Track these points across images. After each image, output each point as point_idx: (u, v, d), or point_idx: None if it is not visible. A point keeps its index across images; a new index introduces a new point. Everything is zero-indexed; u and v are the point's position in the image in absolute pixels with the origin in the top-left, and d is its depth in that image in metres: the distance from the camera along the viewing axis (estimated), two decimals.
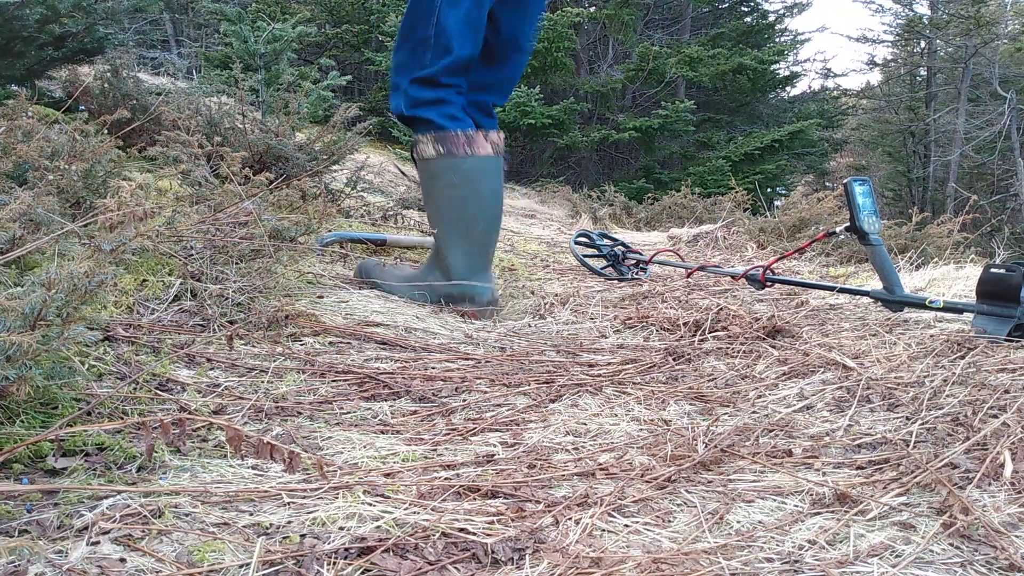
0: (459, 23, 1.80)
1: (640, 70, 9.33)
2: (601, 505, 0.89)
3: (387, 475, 0.96)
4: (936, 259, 3.12)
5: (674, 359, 1.57)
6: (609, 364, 1.56)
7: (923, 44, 16.55)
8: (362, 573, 0.74)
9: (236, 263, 1.67)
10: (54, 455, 0.89)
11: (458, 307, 1.87)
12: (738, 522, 0.87)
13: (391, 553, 0.77)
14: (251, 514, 0.83)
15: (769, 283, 2.16)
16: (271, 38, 3.68)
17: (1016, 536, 0.82)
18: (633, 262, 2.77)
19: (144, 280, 1.53)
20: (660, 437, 1.13)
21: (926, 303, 1.73)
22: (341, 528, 0.81)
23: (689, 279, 2.55)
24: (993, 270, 1.61)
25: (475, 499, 0.91)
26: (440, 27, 1.79)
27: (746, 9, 11.73)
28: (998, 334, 1.53)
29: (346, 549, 0.76)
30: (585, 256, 2.86)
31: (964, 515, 0.84)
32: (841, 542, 0.82)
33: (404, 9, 1.86)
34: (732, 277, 2.30)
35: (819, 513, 0.89)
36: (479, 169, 1.86)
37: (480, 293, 1.90)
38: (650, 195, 6.67)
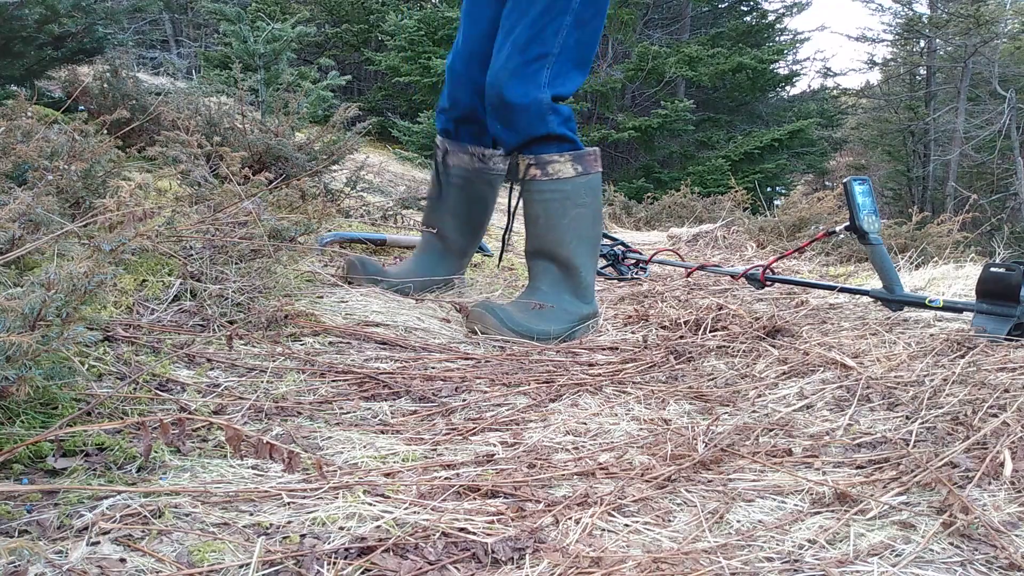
0: (588, 44, 1.78)
1: (639, 69, 9.33)
2: (601, 505, 0.89)
3: (387, 475, 0.96)
4: (936, 258, 3.12)
5: (674, 358, 1.57)
6: (609, 363, 1.56)
7: (923, 43, 16.56)
8: (362, 573, 0.74)
9: (236, 263, 1.66)
10: (54, 455, 0.89)
11: (583, 334, 1.80)
12: (738, 521, 0.87)
13: (391, 553, 0.77)
14: (251, 514, 0.83)
15: (769, 283, 2.16)
16: (270, 38, 3.67)
17: (1016, 535, 0.82)
18: (633, 262, 2.77)
19: (144, 280, 1.53)
20: (660, 436, 1.13)
21: (926, 302, 1.73)
22: (341, 528, 0.81)
23: (689, 279, 2.55)
24: (993, 269, 1.61)
25: (475, 499, 0.91)
26: (565, 46, 1.74)
27: (745, 8, 11.73)
28: (998, 333, 1.53)
29: (346, 549, 0.76)
30: None
31: (964, 514, 0.84)
32: (841, 541, 0.82)
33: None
34: (732, 276, 2.30)
35: (819, 512, 0.89)
36: (599, 185, 1.87)
37: (597, 307, 1.90)
38: (650, 195, 6.68)
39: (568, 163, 1.77)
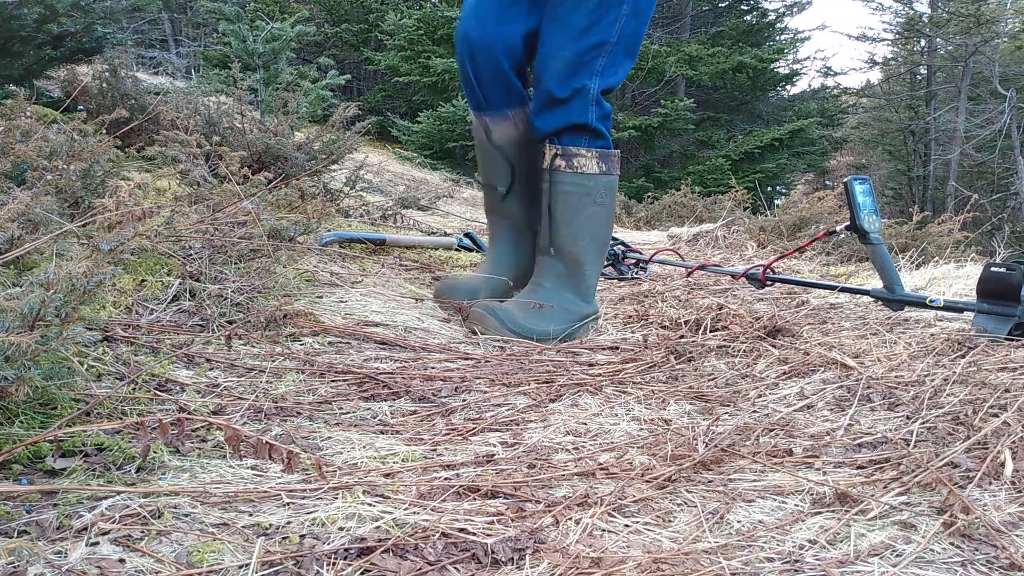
0: (639, 34, 1.75)
1: (639, 69, 9.32)
2: (601, 505, 0.89)
3: (387, 475, 0.96)
4: (936, 258, 3.12)
5: (674, 358, 1.57)
6: (609, 363, 1.56)
7: (923, 42, 16.56)
8: (362, 573, 0.74)
9: (235, 263, 1.66)
10: (53, 456, 0.89)
11: (584, 334, 1.78)
12: (738, 522, 0.87)
13: (391, 553, 0.77)
14: (250, 514, 0.83)
15: (769, 282, 2.15)
16: (270, 37, 3.67)
17: (1017, 535, 0.82)
18: (633, 261, 2.77)
19: (143, 280, 1.53)
20: (660, 437, 1.13)
21: (926, 302, 1.73)
22: (341, 528, 0.81)
23: (689, 278, 2.55)
24: (993, 269, 1.61)
25: (475, 499, 0.91)
26: (623, 35, 1.70)
27: (746, 7, 11.73)
28: (998, 333, 1.53)
29: (346, 549, 0.76)
30: None
31: (965, 514, 0.84)
32: (842, 541, 0.82)
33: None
34: (732, 276, 2.30)
35: (820, 512, 0.88)
36: (615, 186, 1.84)
37: (597, 307, 1.88)
38: (650, 194, 6.67)
39: (594, 159, 1.76)
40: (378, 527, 0.82)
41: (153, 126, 2.67)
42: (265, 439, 0.83)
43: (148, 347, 1.29)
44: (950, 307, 1.69)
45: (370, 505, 0.86)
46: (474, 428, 1.15)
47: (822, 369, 1.43)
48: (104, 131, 2.01)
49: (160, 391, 1.14)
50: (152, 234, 1.51)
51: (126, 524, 0.78)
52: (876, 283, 2.08)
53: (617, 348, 1.69)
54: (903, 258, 3.06)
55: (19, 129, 1.69)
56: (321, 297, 1.78)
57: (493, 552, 0.77)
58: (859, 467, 1.01)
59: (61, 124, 1.86)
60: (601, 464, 1.02)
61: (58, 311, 0.92)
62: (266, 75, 3.64)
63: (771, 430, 1.15)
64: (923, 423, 1.14)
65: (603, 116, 1.77)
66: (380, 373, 1.35)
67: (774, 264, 2.19)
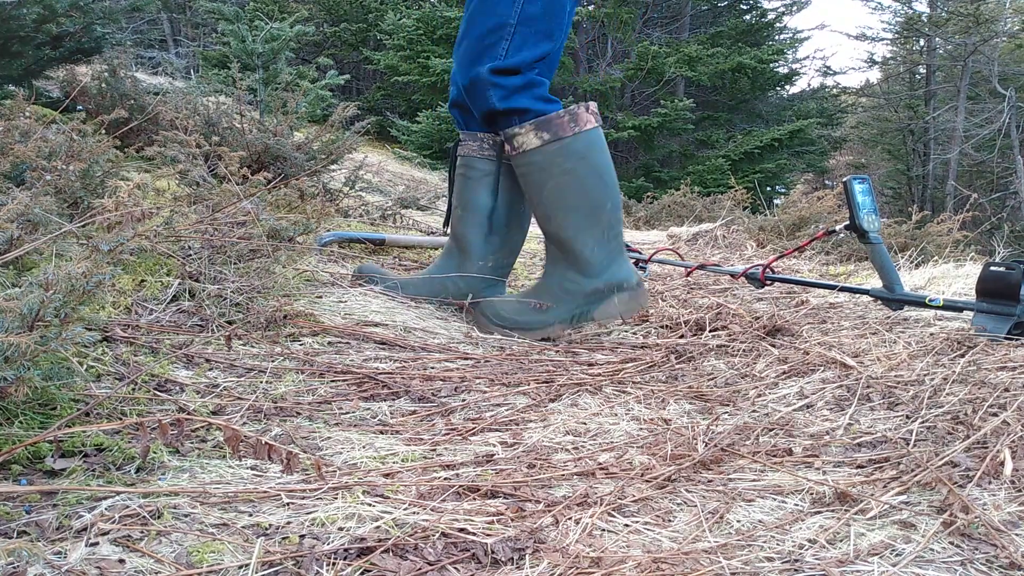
0: (553, 12, 1.66)
1: (639, 69, 9.32)
2: (601, 505, 0.89)
3: (386, 475, 0.96)
4: (936, 257, 3.12)
5: (674, 358, 1.57)
6: (609, 363, 1.56)
7: (922, 42, 16.56)
8: (362, 573, 0.74)
9: (234, 263, 1.66)
10: (53, 456, 0.89)
11: (607, 312, 1.67)
12: (738, 521, 0.87)
13: (391, 553, 0.77)
14: (250, 515, 0.83)
15: (769, 282, 2.15)
16: (269, 37, 3.67)
17: (1016, 534, 0.82)
18: (632, 261, 2.77)
19: (142, 280, 1.53)
20: (660, 436, 1.13)
21: (926, 301, 1.73)
22: (340, 528, 0.81)
23: (689, 278, 2.55)
24: (993, 268, 1.61)
25: (475, 499, 0.91)
26: (524, 16, 1.64)
27: (745, 7, 11.72)
28: (998, 332, 1.53)
29: (345, 550, 0.76)
30: None
31: (964, 513, 0.84)
32: (841, 541, 0.82)
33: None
34: (732, 276, 2.30)
35: (819, 512, 0.88)
36: (591, 144, 1.67)
37: (627, 277, 1.70)
38: (649, 194, 6.67)
39: (530, 133, 1.65)
40: (378, 527, 0.82)
41: (152, 126, 2.67)
42: (265, 439, 0.83)
43: (148, 347, 1.29)
44: (950, 307, 1.69)
45: (370, 505, 0.86)
46: (474, 428, 1.15)
47: (822, 368, 1.43)
48: (103, 131, 2.01)
49: (160, 391, 1.14)
50: (151, 234, 1.51)
51: (126, 524, 0.78)
52: (876, 283, 2.08)
53: (617, 348, 1.69)
54: (902, 257, 3.06)
55: (18, 129, 1.69)
56: (321, 297, 1.78)
57: (493, 552, 0.77)
58: (859, 466, 1.01)
59: (60, 124, 1.86)
60: (601, 464, 1.02)
61: (57, 311, 0.92)
62: (265, 75, 3.64)
63: (771, 430, 1.15)
64: (923, 422, 1.14)
65: (511, 91, 1.67)
66: (380, 373, 1.35)
67: (773, 263, 2.19)
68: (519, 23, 1.65)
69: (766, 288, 2.22)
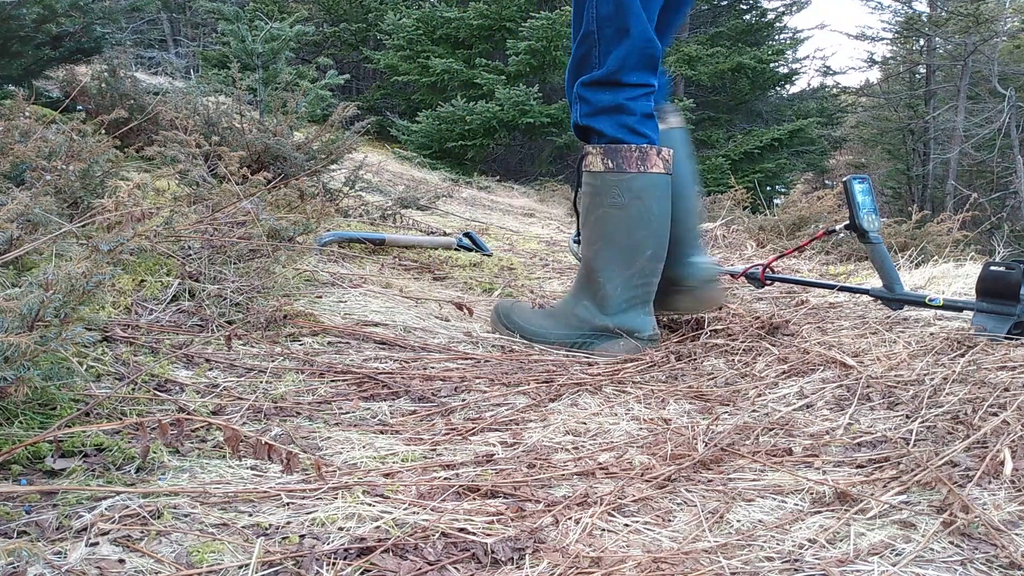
0: (624, 5, 1.58)
1: None
2: (601, 504, 0.89)
3: (386, 475, 0.96)
4: (936, 257, 3.12)
5: (674, 358, 1.57)
6: (608, 363, 1.56)
7: (922, 41, 16.55)
8: (362, 573, 0.74)
9: (234, 263, 1.66)
10: (53, 456, 0.89)
11: (608, 350, 1.63)
12: (738, 521, 0.87)
13: (391, 553, 0.77)
14: (250, 515, 0.83)
15: (769, 281, 2.15)
16: (269, 37, 3.67)
17: (1016, 534, 0.82)
18: None
19: (142, 280, 1.53)
20: (660, 436, 1.13)
21: (925, 301, 1.73)
22: (340, 528, 0.81)
23: None
24: (993, 268, 1.61)
25: (475, 499, 0.91)
26: (601, 17, 1.60)
27: (745, 7, 11.71)
28: (998, 332, 1.53)
29: (345, 549, 0.76)
30: None
31: (964, 513, 0.84)
32: (841, 541, 0.82)
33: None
34: (732, 276, 2.30)
35: (819, 512, 0.88)
36: (650, 187, 1.64)
37: (641, 328, 1.64)
38: None
39: (599, 156, 1.63)
40: (378, 527, 0.82)
41: (152, 126, 2.67)
42: (264, 439, 0.83)
43: (147, 347, 1.29)
44: (949, 306, 1.69)
45: (370, 505, 0.86)
46: (474, 428, 1.15)
47: (821, 368, 1.43)
48: (103, 131, 2.01)
49: (160, 391, 1.14)
50: (151, 234, 1.51)
51: (126, 524, 0.78)
52: (875, 282, 2.08)
53: None
54: (902, 257, 3.06)
55: (18, 129, 1.69)
56: (320, 297, 1.78)
57: (493, 552, 0.77)
58: (859, 466, 1.01)
59: (60, 124, 1.86)
60: (601, 464, 1.02)
61: (57, 311, 0.92)
62: (265, 75, 3.64)
63: (771, 429, 1.16)
64: (923, 422, 1.14)
65: (590, 112, 1.65)
66: (380, 373, 1.35)
67: (773, 263, 2.19)
68: (599, 27, 1.62)
69: (766, 288, 2.22)
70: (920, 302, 1.75)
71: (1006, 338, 1.52)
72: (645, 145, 1.64)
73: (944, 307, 1.70)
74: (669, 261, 1.69)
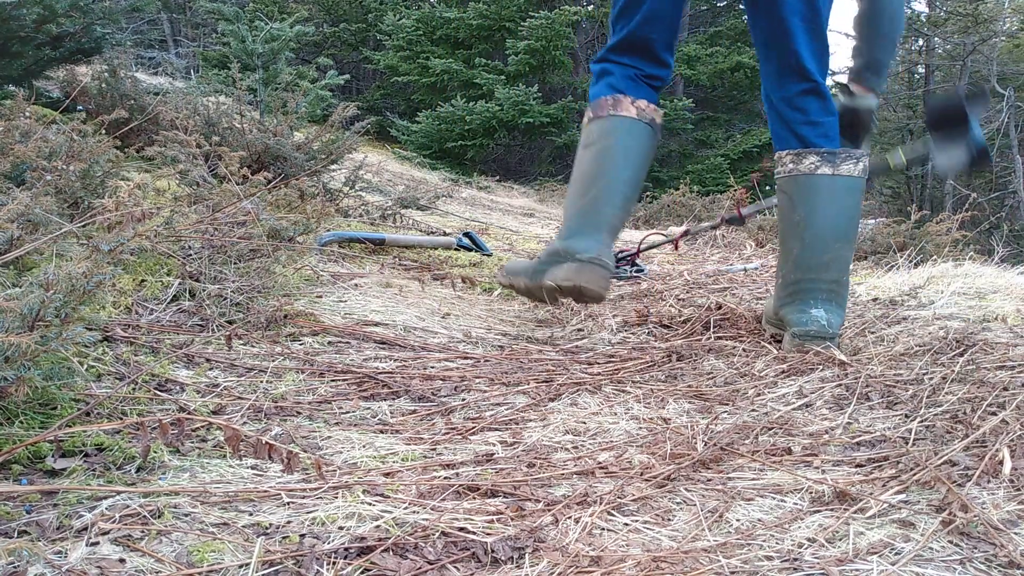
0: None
1: None
2: (601, 504, 0.89)
3: (386, 475, 0.96)
4: (935, 257, 3.12)
5: (674, 357, 1.57)
6: (608, 362, 1.56)
7: (921, 41, 16.56)
8: (362, 573, 0.74)
9: (234, 263, 1.66)
10: (53, 456, 0.89)
11: (552, 274, 1.61)
12: (738, 520, 0.87)
13: (391, 553, 0.77)
14: (251, 514, 0.83)
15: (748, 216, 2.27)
16: (269, 37, 3.67)
17: (1015, 533, 0.82)
18: (629, 261, 2.77)
19: (142, 280, 1.53)
20: (659, 435, 1.13)
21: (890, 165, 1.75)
22: (341, 528, 0.81)
23: (687, 276, 2.56)
24: (935, 97, 1.62)
25: (475, 498, 0.91)
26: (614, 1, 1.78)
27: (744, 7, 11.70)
28: (960, 162, 1.52)
29: (346, 549, 0.76)
30: None
31: (963, 512, 0.84)
32: (841, 540, 0.82)
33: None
34: (713, 228, 2.40)
35: (819, 511, 0.89)
36: (614, 128, 1.71)
37: (585, 249, 1.60)
38: (648, 193, 6.67)
39: (587, 113, 1.79)
40: (378, 526, 0.82)
41: (152, 126, 2.67)
42: (265, 439, 0.83)
43: (148, 347, 1.29)
44: (912, 162, 1.71)
45: (370, 504, 0.86)
46: (473, 427, 1.15)
47: (820, 367, 1.43)
48: (103, 131, 2.01)
49: (160, 391, 1.14)
50: (152, 234, 1.51)
51: (126, 524, 0.78)
52: (876, 282, 2.08)
53: (616, 347, 1.69)
54: (901, 257, 3.06)
55: (19, 129, 1.69)
56: (321, 297, 1.78)
57: (493, 551, 0.78)
58: (858, 465, 1.01)
59: (60, 124, 1.86)
60: (600, 463, 1.03)
61: (58, 311, 0.92)
62: (265, 75, 3.64)
63: (770, 429, 1.16)
64: (922, 421, 1.14)
65: (596, 77, 1.79)
66: (380, 372, 1.36)
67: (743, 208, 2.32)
68: (614, 9, 1.78)
69: (766, 287, 2.22)
70: (885, 167, 1.78)
71: (973, 170, 1.51)
72: (621, 96, 1.72)
73: (908, 166, 1.72)
74: (575, 225, 1.68)
